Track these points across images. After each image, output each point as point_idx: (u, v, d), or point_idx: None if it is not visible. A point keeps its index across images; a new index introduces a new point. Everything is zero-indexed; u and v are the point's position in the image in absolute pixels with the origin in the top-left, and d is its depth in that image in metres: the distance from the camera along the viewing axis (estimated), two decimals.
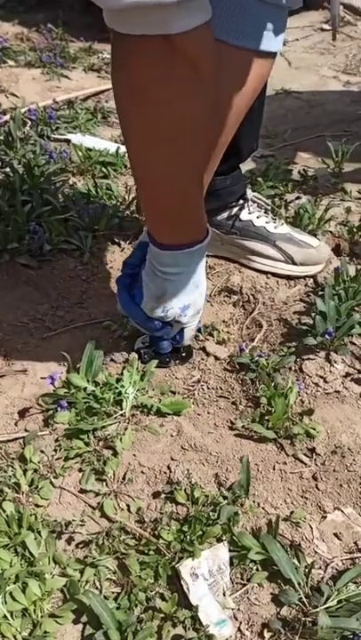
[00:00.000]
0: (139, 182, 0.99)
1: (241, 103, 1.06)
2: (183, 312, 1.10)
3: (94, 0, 0.74)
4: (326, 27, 3.53)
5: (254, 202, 1.53)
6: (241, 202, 1.51)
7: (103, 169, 1.94)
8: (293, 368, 1.23)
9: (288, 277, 1.49)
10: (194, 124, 0.86)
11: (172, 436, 1.09)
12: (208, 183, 1.02)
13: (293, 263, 1.48)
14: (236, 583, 0.90)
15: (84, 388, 1.11)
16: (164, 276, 1.04)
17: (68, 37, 3.22)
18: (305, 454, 1.07)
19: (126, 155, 2.01)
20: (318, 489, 1.02)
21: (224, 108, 1.04)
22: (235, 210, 1.51)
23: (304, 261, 1.48)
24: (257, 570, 0.91)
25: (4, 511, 0.93)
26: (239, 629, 0.85)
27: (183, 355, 1.24)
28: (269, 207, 1.56)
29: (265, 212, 1.53)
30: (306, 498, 1.01)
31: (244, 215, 1.50)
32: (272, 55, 1.03)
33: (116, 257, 1.55)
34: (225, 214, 1.51)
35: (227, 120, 1.07)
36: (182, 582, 0.87)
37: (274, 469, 1.04)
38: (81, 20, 3.33)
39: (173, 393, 1.17)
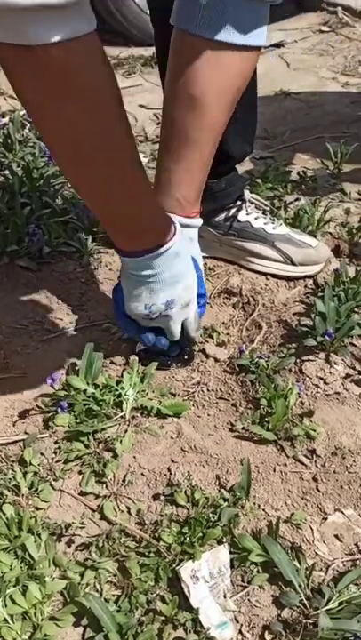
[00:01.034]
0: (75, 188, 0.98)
1: (222, 101, 1.03)
2: (168, 307, 1.08)
3: None
4: (325, 28, 3.54)
5: (252, 203, 1.53)
6: (238, 203, 1.51)
7: None
8: (293, 369, 1.23)
9: (288, 278, 1.49)
10: (76, 130, 0.82)
11: (172, 437, 1.09)
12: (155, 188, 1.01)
13: (293, 264, 1.48)
14: (237, 585, 0.90)
15: (84, 391, 1.10)
16: (136, 277, 1.04)
17: None
18: (305, 456, 1.07)
19: None
20: (319, 490, 1.02)
21: (202, 106, 1.02)
22: (232, 211, 1.51)
23: (303, 261, 1.48)
24: (258, 572, 0.91)
25: (4, 514, 0.93)
26: (240, 632, 0.85)
27: (184, 357, 1.24)
28: (268, 208, 1.56)
29: (263, 213, 1.53)
30: (306, 499, 1.01)
31: (241, 216, 1.50)
32: (254, 50, 1.00)
33: (115, 259, 1.55)
34: (222, 216, 1.51)
35: (205, 119, 1.04)
36: (183, 585, 0.87)
37: (274, 471, 1.04)
38: None
39: (173, 395, 1.17)
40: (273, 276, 1.49)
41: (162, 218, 1.03)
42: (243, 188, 1.52)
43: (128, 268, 1.03)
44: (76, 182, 0.95)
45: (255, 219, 1.50)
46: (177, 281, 1.06)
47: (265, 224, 1.50)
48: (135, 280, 1.04)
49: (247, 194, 1.52)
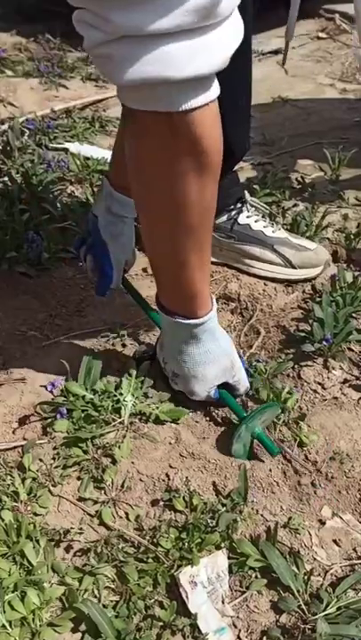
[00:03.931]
0: (145, 245, 1.00)
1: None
2: (173, 377, 1.10)
3: (104, 76, 0.77)
4: (322, 35, 3.56)
5: (252, 205, 1.54)
6: (239, 205, 1.52)
7: (101, 178, 1.94)
8: (291, 375, 1.23)
9: (287, 282, 1.49)
10: (189, 192, 0.85)
11: (170, 443, 1.09)
12: (207, 261, 1.00)
13: (292, 266, 1.48)
14: (235, 590, 0.90)
15: (83, 396, 1.11)
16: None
17: (65, 47, 3.24)
18: (303, 461, 1.07)
19: None
20: (317, 495, 1.02)
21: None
22: (233, 213, 1.52)
23: (302, 264, 1.48)
24: (256, 577, 0.91)
25: (3, 520, 0.93)
26: (238, 637, 0.85)
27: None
28: (267, 212, 1.57)
29: (263, 217, 1.54)
30: (304, 504, 1.01)
31: (242, 219, 1.51)
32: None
33: None
34: (224, 217, 1.52)
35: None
36: (181, 590, 0.87)
37: (272, 476, 1.04)
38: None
39: (172, 400, 1.17)
40: (272, 279, 1.50)
41: (200, 296, 1.01)
42: (242, 189, 1.53)
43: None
44: (146, 234, 0.96)
45: (255, 222, 1.51)
46: (181, 359, 1.07)
47: (264, 227, 1.51)
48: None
49: (247, 196, 1.53)
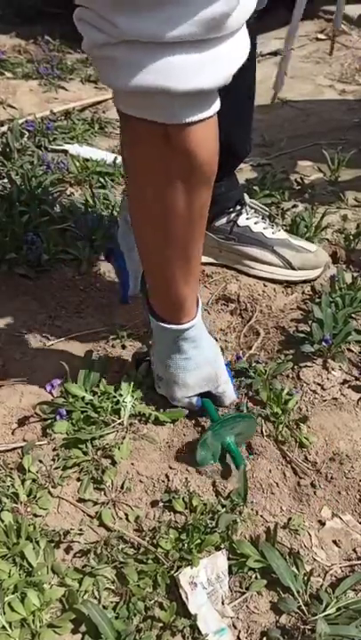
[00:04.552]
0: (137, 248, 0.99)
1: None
2: (157, 381, 1.11)
3: (102, 81, 0.74)
4: (321, 36, 3.56)
5: (252, 207, 1.54)
6: (238, 207, 1.52)
7: (100, 179, 1.95)
8: (291, 375, 1.23)
9: (287, 283, 1.49)
10: (184, 200, 0.83)
11: (169, 444, 1.09)
12: (195, 268, 0.97)
13: (292, 268, 1.49)
14: (235, 591, 0.90)
15: (83, 398, 1.11)
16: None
17: (65, 49, 3.25)
18: (303, 461, 1.07)
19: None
20: (317, 496, 1.02)
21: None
22: (233, 215, 1.52)
23: (302, 266, 1.48)
24: (256, 578, 0.91)
25: (3, 521, 0.93)
26: (238, 638, 0.85)
27: None
28: (267, 213, 1.57)
29: (262, 219, 1.54)
30: (304, 505, 1.01)
31: (241, 221, 1.51)
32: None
33: (113, 267, 1.55)
34: (224, 219, 1.52)
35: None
36: (181, 591, 0.87)
37: (272, 477, 1.04)
38: (78, 32, 3.35)
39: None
40: (272, 280, 1.50)
41: (186, 303, 1.00)
42: (242, 191, 1.53)
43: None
44: (140, 242, 0.95)
45: (255, 223, 1.51)
46: (164, 364, 1.07)
47: (264, 229, 1.51)
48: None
49: (247, 198, 1.53)
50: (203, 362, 1.05)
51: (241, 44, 0.73)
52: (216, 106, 0.75)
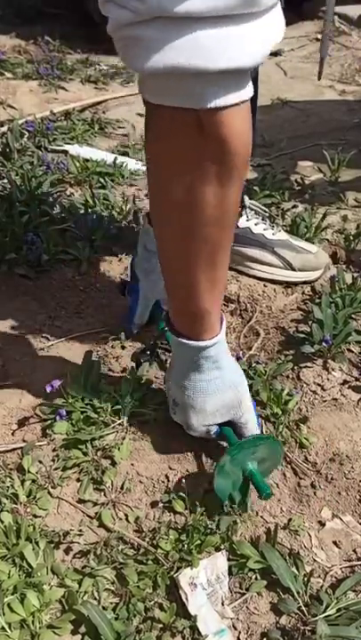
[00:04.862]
0: (158, 256, 0.91)
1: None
2: (173, 407, 1.03)
3: (127, 65, 0.68)
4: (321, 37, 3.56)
5: (252, 209, 1.54)
6: (238, 209, 1.52)
7: (100, 179, 1.95)
8: (291, 376, 1.23)
9: (287, 284, 1.49)
10: (208, 217, 0.78)
11: (169, 445, 1.09)
12: (221, 282, 0.90)
13: (292, 269, 1.49)
14: (235, 592, 0.90)
15: (82, 398, 1.11)
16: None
17: (65, 49, 3.25)
18: (303, 462, 1.07)
19: (123, 165, 2.02)
20: (317, 497, 1.02)
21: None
22: None
23: (303, 267, 1.48)
24: (256, 579, 0.91)
25: (2, 522, 0.93)
26: (238, 639, 0.85)
27: None
28: (267, 214, 1.57)
29: (263, 220, 1.54)
30: (304, 506, 1.01)
31: (242, 222, 1.51)
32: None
33: (113, 267, 1.55)
34: None
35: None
36: (181, 592, 0.87)
37: (272, 478, 1.04)
38: (78, 32, 3.36)
39: None
40: (272, 281, 1.50)
41: (209, 319, 0.93)
42: (242, 193, 1.53)
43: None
44: (162, 247, 0.88)
45: (255, 224, 1.51)
46: (180, 386, 0.99)
47: (265, 230, 1.51)
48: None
49: (247, 200, 1.53)
50: (224, 385, 0.96)
51: (276, 21, 0.68)
52: (250, 89, 0.69)
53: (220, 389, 0.96)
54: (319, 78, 1.94)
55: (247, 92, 0.69)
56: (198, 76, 0.64)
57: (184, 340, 0.93)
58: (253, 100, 1.37)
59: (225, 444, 1.05)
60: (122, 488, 1.01)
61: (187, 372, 0.97)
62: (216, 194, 0.76)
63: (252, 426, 1.01)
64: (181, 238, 0.82)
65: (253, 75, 1.33)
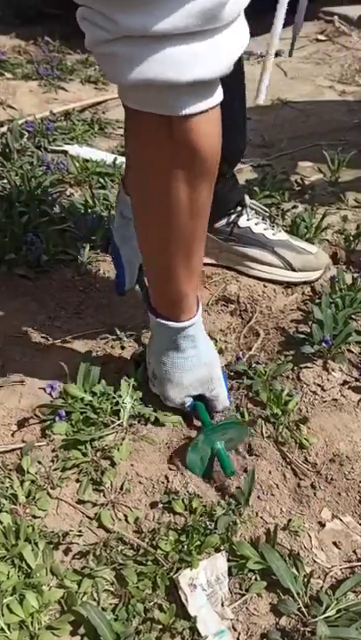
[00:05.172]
0: (138, 243, 0.99)
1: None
2: (152, 379, 1.11)
3: (107, 78, 0.76)
4: (322, 37, 3.56)
5: (252, 209, 1.54)
6: (239, 208, 1.52)
7: (100, 180, 1.95)
8: (291, 376, 1.23)
9: (287, 284, 1.49)
10: (186, 194, 0.84)
11: (169, 445, 1.08)
12: (197, 269, 0.97)
13: (292, 269, 1.48)
14: (235, 593, 0.89)
15: (82, 399, 1.11)
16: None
17: (65, 50, 3.24)
18: (303, 463, 1.07)
19: (123, 165, 2.02)
20: (317, 497, 1.02)
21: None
22: (233, 216, 1.52)
23: (303, 267, 1.48)
24: (256, 580, 0.90)
25: (1, 523, 0.92)
26: None
27: None
28: (267, 214, 1.57)
29: (263, 219, 1.54)
30: (304, 506, 1.01)
31: (242, 222, 1.51)
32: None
33: (113, 267, 1.54)
34: (224, 221, 1.51)
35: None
36: (180, 593, 0.87)
37: (272, 478, 1.04)
38: (78, 32, 3.33)
39: None
40: (272, 281, 1.50)
41: (186, 301, 1.00)
42: (242, 193, 1.53)
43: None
44: (141, 237, 0.96)
45: (255, 224, 1.51)
46: (158, 360, 1.07)
47: (265, 230, 1.51)
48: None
49: (247, 199, 1.53)
50: (199, 363, 1.05)
51: (239, 33, 0.74)
52: (218, 96, 0.76)
53: (196, 366, 1.05)
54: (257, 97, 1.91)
55: (216, 98, 0.75)
56: (170, 87, 0.70)
57: (163, 321, 1.01)
58: (242, 97, 1.37)
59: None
60: (121, 489, 1.00)
61: (165, 349, 1.04)
62: (188, 192, 0.83)
63: (222, 399, 1.11)
64: (159, 231, 0.90)
65: (241, 77, 1.33)
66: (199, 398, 1.10)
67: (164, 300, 1.00)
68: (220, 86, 0.76)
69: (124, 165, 2.02)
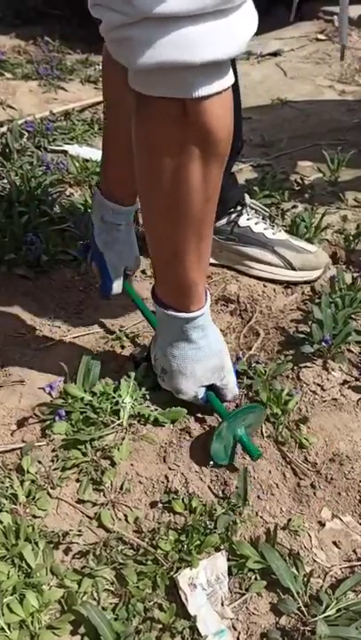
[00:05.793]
0: (146, 231, 0.99)
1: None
2: (161, 374, 1.10)
3: (121, 62, 0.76)
4: (321, 37, 3.56)
5: (252, 208, 1.54)
6: (239, 208, 1.52)
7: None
8: (291, 376, 1.23)
9: (287, 283, 1.49)
10: (194, 193, 0.86)
11: (169, 445, 1.08)
12: (205, 251, 0.98)
13: (292, 269, 1.49)
14: (235, 593, 0.89)
15: (82, 398, 1.11)
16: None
17: (65, 50, 3.25)
18: (303, 462, 1.07)
19: None
20: (317, 497, 1.02)
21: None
22: (233, 216, 1.52)
23: (303, 267, 1.48)
24: (256, 579, 0.90)
25: (1, 522, 0.92)
26: (238, 639, 0.84)
27: None
28: (267, 214, 1.57)
29: (263, 219, 1.54)
30: (304, 506, 1.01)
31: (242, 221, 1.51)
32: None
33: None
34: (224, 220, 1.52)
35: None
36: (180, 592, 0.87)
37: (272, 478, 1.04)
38: (78, 32, 3.35)
39: (170, 402, 1.16)
40: (272, 281, 1.50)
41: (195, 290, 1.01)
42: (242, 192, 1.53)
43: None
44: (150, 227, 0.96)
45: (255, 224, 1.51)
46: (166, 353, 1.07)
47: (265, 229, 1.51)
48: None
49: (247, 199, 1.53)
50: (211, 352, 1.05)
51: (250, 14, 0.75)
52: (230, 78, 0.77)
53: (208, 355, 1.05)
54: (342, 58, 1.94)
55: (228, 79, 0.77)
56: (185, 69, 0.71)
57: (173, 313, 1.00)
58: (235, 90, 1.37)
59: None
60: (121, 488, 1.01)
61: (175, 342, 1.04)
62: (201, 173, 0.84)
63: (232, 386, 1.11)
64: (170, 217, 0.90)
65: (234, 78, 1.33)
66: (209, 389, 1.09)
67: (174, 289, 1.00)
68: (231, 68, 0.77)
69: None
